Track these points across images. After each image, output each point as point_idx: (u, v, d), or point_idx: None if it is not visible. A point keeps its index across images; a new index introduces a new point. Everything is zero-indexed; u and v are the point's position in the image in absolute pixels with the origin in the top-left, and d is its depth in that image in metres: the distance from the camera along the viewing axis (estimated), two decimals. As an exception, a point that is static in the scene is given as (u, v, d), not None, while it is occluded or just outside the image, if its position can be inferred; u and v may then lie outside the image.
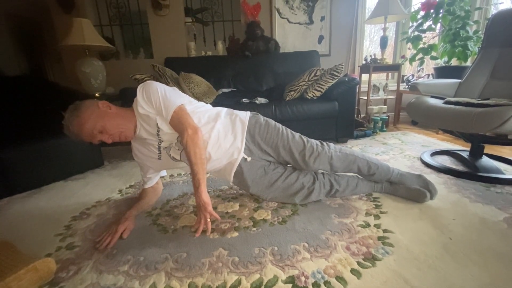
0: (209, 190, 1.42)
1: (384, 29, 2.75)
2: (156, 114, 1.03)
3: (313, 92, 2.18)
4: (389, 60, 2.93)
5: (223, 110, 1.19)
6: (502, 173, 1.42)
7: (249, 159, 1.16)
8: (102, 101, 1.06)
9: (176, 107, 1.01)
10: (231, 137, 1.12)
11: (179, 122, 1.01)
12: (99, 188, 1.55)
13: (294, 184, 1.17)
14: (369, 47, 3.62)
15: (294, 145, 1.16)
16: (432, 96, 1.73)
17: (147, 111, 1.03)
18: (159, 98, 1.01)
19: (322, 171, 1.22)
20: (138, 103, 1.02)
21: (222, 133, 1.11)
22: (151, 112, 1.03)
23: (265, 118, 1.22)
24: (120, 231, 1.00)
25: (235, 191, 1.40)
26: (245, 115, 1.18)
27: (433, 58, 2.71)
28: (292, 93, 2.22)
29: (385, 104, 3.11)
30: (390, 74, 3.29)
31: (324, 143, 1.20)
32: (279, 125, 1.21)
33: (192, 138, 0.97)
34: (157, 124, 1.04)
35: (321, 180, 1.19)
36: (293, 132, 1.21)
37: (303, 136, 1.20)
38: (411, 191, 1.19)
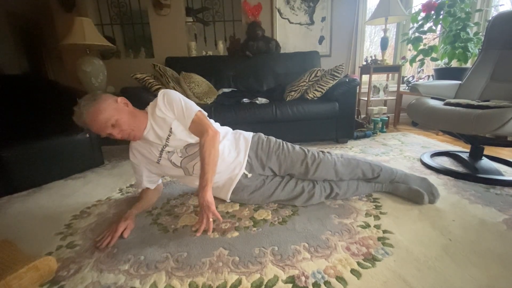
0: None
1: (385, 30, 2.76)
2: (174, 118, 1.09)
3: (313, 93, 2.18)
4: (389, 61, 2.93)
5: (230, 131, 1.27)
6: (502, 175, 1.43)
7: (249, 175, 1.19)
8: (121, 97, 1.09)
9: (198, 111, 1.10)
10: (234, 152, 1.18)
11: (199, 124, 1.08)
12: (100, 187, 1.55)
13: (294, 189, 1.19)
14: (370, 48, 3.63)
15: (296, 155, 1.20)
16: (432, 98, 1.74)
17: (165, 115, 1.08)
18: (182, 104, 1.08)
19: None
20: (157, 105, 1.08)
21: (227, 149, 1.16)
22: (169, 116, 1.09)
23: (267, 136, 1.30)
24: (121, 230, 1.00)
25: (235, 191, 1.40)
26: (248, 134, 1.26)
27: (433, 59, 2.72)
28: (293, 93, 2.23)
29: (385, 105, 3.11)
30: (390, 75, 3.30)
31: (325, 151, 1.25)
32: (280, 140, 1.27)
33: (212, 138, 1.05)
34: (171, 128, 1.08)
35: (321, 183, 1.20)
36: (294, 144, 1.26)
37: (303, 147, 1.24)
38: (411, 191, 1.19)
